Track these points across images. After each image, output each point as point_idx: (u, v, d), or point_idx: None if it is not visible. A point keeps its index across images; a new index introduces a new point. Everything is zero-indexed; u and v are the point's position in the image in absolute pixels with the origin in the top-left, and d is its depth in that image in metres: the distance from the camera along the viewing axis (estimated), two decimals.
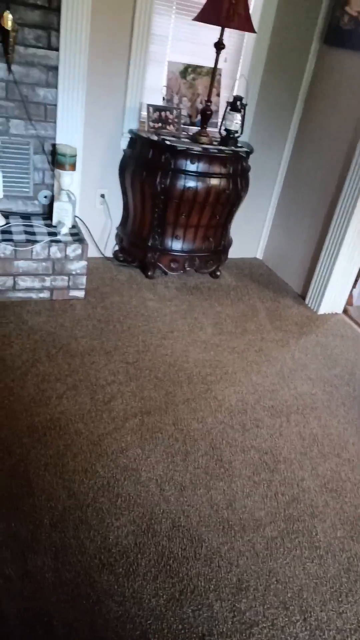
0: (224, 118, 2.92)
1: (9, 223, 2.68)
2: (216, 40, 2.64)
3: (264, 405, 2.19)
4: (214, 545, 1.54)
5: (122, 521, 1.56)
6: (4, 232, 2.58)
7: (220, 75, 3.04)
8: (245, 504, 1.70)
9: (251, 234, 3.66)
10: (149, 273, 3.13)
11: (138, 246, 3.11)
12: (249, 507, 1.69)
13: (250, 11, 2.87)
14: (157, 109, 2.87)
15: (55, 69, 2.57)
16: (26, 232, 2.63)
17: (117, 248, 3.30)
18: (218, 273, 3.32)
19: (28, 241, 2.54)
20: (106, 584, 1.38)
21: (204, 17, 2.51)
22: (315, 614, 1.40)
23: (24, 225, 2.71)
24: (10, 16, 2.33)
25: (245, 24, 2.52)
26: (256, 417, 2.12)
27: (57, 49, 2.54)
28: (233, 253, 3.60)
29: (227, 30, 2.74)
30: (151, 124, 2.86)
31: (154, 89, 2.99)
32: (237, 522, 1.63)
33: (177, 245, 3.05)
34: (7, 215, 2.76)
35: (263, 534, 1.61)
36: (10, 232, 2.59)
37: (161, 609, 1.34)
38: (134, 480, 1.71)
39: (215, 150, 2.76)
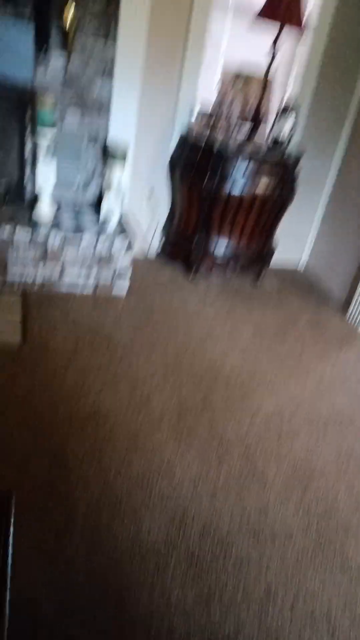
0: (274, 124, 2.90)
1: (60, 212, 2.73)
2: (270, 45, 2.63)
3: (300, 416, 2.17)
4: (244, 550, 1.54)
5: (154, 516, 1.57)
6: (54, 221, 2.63)
7: (272, 81, 3.02)
8: (277, 513, 1.69)
9: (296, 241, 3.63)
10: (191, 274, 3.14)
11: (182, 246, 3.12)
12: (281, 517, 1.68)
13: (307, 14, 2.85)
14: (207, 113, 2.88)
15: (112, 60, 2.59)
16: (75, 223, 2.67)
17: (161, 246, 3.32)
18: (260, 278, 3.31)
19: (76, 231, 2.58)
20: (136, 576, 1.39)
21: (264, 13, 2.52)
22: (344, 632, 1.38)
23: (73, 215, 2.76)
24: (73, 5, 2.36)
25: (301, 22, 2.52)
26: (292, 426, 2.10)
27: (114, 42, 2.56)
28: (276, 259, 3.58)
29: (280, 36, 2.73)
30: (201, 127, 2.87)
31: (205, 93, 3.00)
32: (268, 530, 1.62)
33: (220, 248, 3.05)
34: (58, 204, 2.82)
35: (294, 544, 1.59)
36: (59, 222, 2.64)
37: (189, 607, 1.35)
38: (168, 478, 1.72)
39: (264, 156, 2.74)
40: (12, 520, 0.90)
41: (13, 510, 0.93)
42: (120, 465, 1.72)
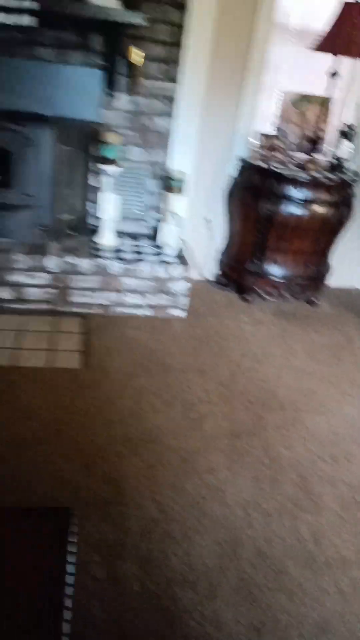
0: (333, 145, 2.90)
1: (120, 242, 2.86)
2: (329, 68, 2.64)
3: (356, 439, 2.11)
4: (298, 579, 1.52)
5: (206, 540, 1.59)
6: (115, 250, 2.76)
7: (331, 102, 3.02)
8: (332, 540, 1.65)
9: (352, 263, 3.56)
10: (246, 297, 3.16)
11: (237, 270, 3.16)
12: (336, 544, 1.64)
13: None
14: (267, 136, 2.93)
15: (172, 99, 2.73)
16: (134, 252, 2.79)
17: (217, 271, 3.37)
18: (315, 300, 3.27)
19: (136, 260, 2.69)
20: (187, 601, 1.41)
21: (324, 46, 2.54)
22: None
23: (133, 245, 2.88)
24: (137, 51, 2.53)
25: None
26: (348, 450, 2.05)
27: (175, 82, 2.69)
28: (332, 281, 3.52)
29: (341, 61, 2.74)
30: (260, 151, 2.92)
31: (264, 116, 3.05)
32: (322, 558, 1.59)
33: (275, 270, 3.06)
34: (119, 234, 2.95)
35: (350, 573, 1.55)
36: (120, 251, 2.77)
37: (240, 635, 1.34)
38: (220, 501, 1.73)
39: (322, 178, 2.74)
40: (73, 538, 0.95)
41: (75, 529, 0.98)
42: (173, 488, 1.76)
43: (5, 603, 0.86)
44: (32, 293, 2.66)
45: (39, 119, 2.56)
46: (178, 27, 2.57)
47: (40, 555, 0.95)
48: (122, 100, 2.69)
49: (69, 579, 0.92)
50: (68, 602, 0.88)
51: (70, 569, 0.93)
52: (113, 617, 1.34)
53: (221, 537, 1.61)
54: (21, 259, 2.57)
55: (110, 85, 2.62)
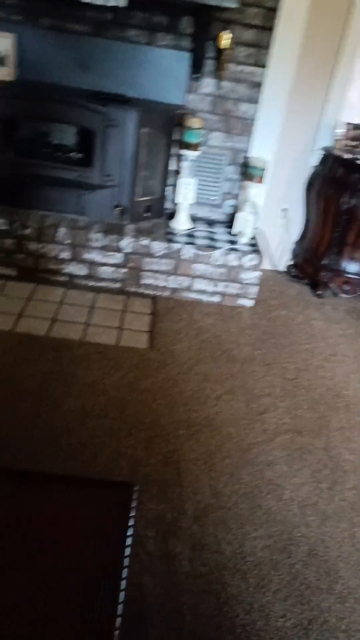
0: None
1: (195, 227, 2.87)
2: None
3: None
4: (351, 584, 1.47)
5: (259, 533, 1.58)
6: (188, 235, 2.77)
7: None
8: None
9: None
10: (319, 292, 3.06)
11: (312, 263, 3.07)
12: None
13: None
14: (354, 127, 2.80)
15: (259, 85, 2.67)
16: (208, 238, 2.78)
17: (290, 262, 3.30)
18: None
19: (209, 246, 2.69)
20: (236, 589, 1.41)
21: None
22: None
23: (207, 231, 2.87)
24: (227, 35, 2.49)
25: None
26: None
27: (264, 67, 2.63)
28: None
29: None
30: (346, 142, 2.80)
31: (353, 106, 2.92)
32: None
33: (352, 267, 2.94)
34: (194, 220, 2.95)
35: None
36: (193, 236, 2.77)
37: (287, 631, 1.33)
38: (277, 496, 1.71)
39: None
40: (133, 512, 0.98)
41: (135, 504, 1.01)
42: (230, 476, 1.76)
43: (67, 566, 0.90)
44: (105, 271, 2.73)
45: (124, 101, 2.59)
46: (271, 10, 2.50)
47: (102, 525, 0.98)
48: (207, 84, 2.67)
49: (127, 551, 0.94)
50: (124, 572, 0.91)
51: (128, 541, 0.96)
52: (164, 592, 1.36)
53: (275, 531, 1.59)
54: (98, 238, 2.63)
55: (197, 69, 2.61)
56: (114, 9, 2.46)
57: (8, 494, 0.99)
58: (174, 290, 2.78)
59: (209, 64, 2.62)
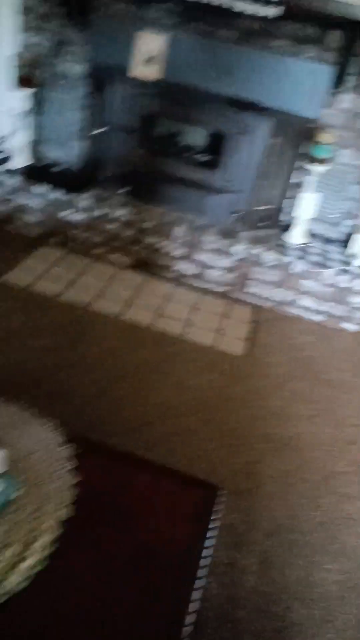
0: None
1: (309, 243, 2.81)
2: None
3: None
4: None
5: (332, 566, 1.52)
6: (301, 250, 2.72)
7: None
8: None
9: None
10: None
11: None
12: None
13: None
14: None
15: None
16: (321, 255, 2.72)
17: None
18: None
19: (320, 264, 2.62)
20: (300, 618, 1.38)
21: None
22: None
23: (320, 248, 2.80)
24: None
25: None
26: None
27: None
28: None
29: None
30: None
31: None
32: None
33: None
34: (309, 235, 2.90)
35: None
36: (306, 252, 2.72)
37: None
38: (355, 533, 1.64)
39: None
40: (216, 515, 0.99)
41: (220, 507, 1.02)
42: (307, 501, 1.71)
43: (148, 555, 0.94)
44: (213, 274, 2.77)
45: (260, 109, 2.60)
46: None
47: (185, 520, 1.01)
48: (345, 100, 2.60)
49: (206, 552, 0.96)
50: (201, 572, 0.93)
51: (208, 542, 0.98)
52: (224, 601, 1.37)
53: (348, 567, 1.53)
54: (212, 240, 2.68)
55: (338, 83, 2.55)
56: (264, 18, 2.48)
57: (104, 468, 1.05)
58: (278, 303, 2.75)
59: (351, 80, 2.55)
